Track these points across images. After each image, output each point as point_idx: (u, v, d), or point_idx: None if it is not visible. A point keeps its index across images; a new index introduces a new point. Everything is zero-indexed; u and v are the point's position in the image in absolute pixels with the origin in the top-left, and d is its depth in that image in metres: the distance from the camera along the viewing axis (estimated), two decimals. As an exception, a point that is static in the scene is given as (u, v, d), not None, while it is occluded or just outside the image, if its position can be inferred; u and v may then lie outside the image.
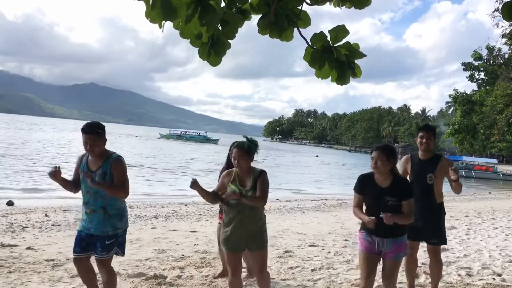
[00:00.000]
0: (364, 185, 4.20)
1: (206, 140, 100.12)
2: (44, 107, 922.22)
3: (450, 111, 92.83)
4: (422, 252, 6.39)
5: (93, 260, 4.31)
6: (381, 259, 4.23)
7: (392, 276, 4.24)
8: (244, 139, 4.23)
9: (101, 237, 4.18)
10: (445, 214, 5.16)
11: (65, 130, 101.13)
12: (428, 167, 5.04)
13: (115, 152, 4.29)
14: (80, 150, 4.41)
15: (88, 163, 4.23)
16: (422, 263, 6.93)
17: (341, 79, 2.54)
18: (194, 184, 3.96)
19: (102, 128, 4.19)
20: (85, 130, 4.11)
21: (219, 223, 5.63)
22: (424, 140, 5.09)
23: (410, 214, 4.13)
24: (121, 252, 4.33)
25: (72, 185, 4.36)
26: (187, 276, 5.82)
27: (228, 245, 4.27)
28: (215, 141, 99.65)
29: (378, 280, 4.85)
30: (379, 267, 4.30)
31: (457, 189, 4.96)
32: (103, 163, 4.16)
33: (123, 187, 4.17)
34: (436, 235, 5.08)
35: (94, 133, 4.12)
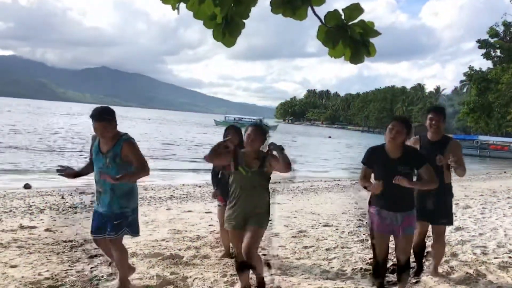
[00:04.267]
0: (375, 157, 4.21)
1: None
2: (58, 91, 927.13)
3: (465, 90, 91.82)
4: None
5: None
6: (394, 236, 4.26)
7: (407, 250, 4.27)
8: (259, 122, 4.29)
9: (109, 217, 4.26)
10: (453, 195, 5.18)
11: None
12: (438, 148, 5.02)
13: (126, 133, 4.32)
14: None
15: (100, 145, 4.28)
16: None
17: (355, 58, 2.53)
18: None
19: (112, 114, 4.21)
20: (95, 117, 4.11)
21: (219, 205, 5.71)
22: (433, 122, 5.08)
23: (431, 179, 4.18)
24: (132, 232, 4.39)
25: (90, 169, 4.46)
26: (203, 255, 5.90)
27: (231, 223, 4.33)
28: (273, 128, 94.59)
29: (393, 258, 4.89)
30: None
31: (459, 173, 4.99)
32: (114, 145, 4.20)
33: (143, 168, 4.22)
34: (444, 216, 5.12)
35: (104, 120, 4.13)
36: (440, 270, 5.47)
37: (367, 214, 4.40)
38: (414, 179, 4.34)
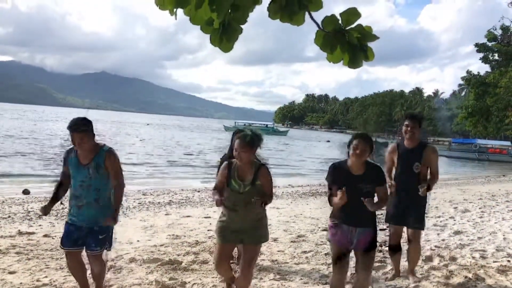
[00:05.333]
0: (337, 174, 4.09)
1: (274, 132, 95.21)
2: (57, 97, 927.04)
3: (463, 93, 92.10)
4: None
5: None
6: (353, 251, 4.15)
7: (366, 269, 4.13)
8: (248, 131, 4.10)
9: (93, 231, 4.14)
10: (426, 202, 5.26)
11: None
12: (414, 156, 5.13)
13: (105, 144, 4.25)
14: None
15: (79, 157, 4.15)
16: (436, 246, 6.96)
17: (353, 63, 2.52)
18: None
19: (89, 124, 4.10)
20: (72, 128, 4.02)
21: None
22: (409, 129, 5.15)
23: (385, 199, 4.19)
24: (110, 246, 4.31)
25: (63, 191, 4.36)
26: (202, 261, 5.88)
27: (221, 235, 4.19)
28: (284, 133, 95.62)
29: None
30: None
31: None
32: (95, 156, 4.12)
33: (121, 184, 4.20)
34: (417, 220, 5.19)
35: (81, 131, 4.03)
36: (418, 273, 5.52)
37: (328, 228, 4.33)
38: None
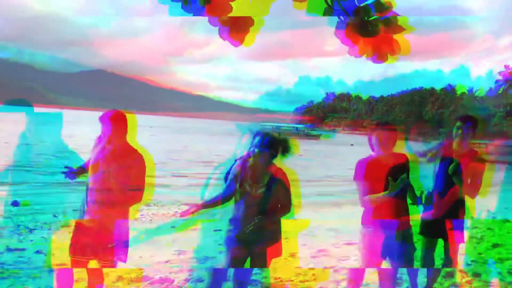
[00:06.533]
0: (369, 169, 4.13)
1: (306, 135, 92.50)
2: (48, 96, 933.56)
3: (501, 91, 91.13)
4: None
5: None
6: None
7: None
8: (276, 133, 4.12)
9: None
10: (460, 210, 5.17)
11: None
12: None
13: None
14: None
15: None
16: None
17: (379, 56, 2.51)
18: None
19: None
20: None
21: None
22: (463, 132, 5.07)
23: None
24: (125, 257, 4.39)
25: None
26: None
27: (230, 247, 4.21)
28: (316, 136, 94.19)
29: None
30: None
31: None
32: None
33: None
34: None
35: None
36: None
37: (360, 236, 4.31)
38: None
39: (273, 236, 4.20)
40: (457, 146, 5.11)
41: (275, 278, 5.82)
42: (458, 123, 5.11)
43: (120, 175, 4.18)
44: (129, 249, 4.41)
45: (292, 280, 5.99)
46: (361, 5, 2.41)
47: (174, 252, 7.25)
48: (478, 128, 5.13)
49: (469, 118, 5.21)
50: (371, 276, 4.73)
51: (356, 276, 4.23)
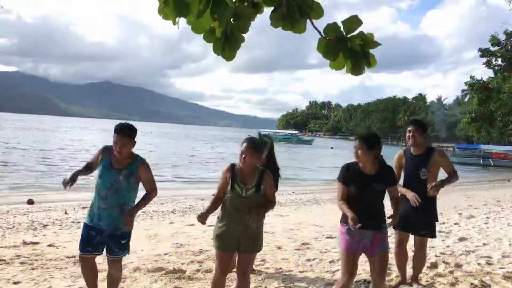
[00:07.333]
0: (350, 174, 4.10)
1: (299, 141, 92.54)
2: (61, 106, 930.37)
3: (466, 99, 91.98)
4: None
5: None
6: (367, 256, 4.14)
7: (382, 271, 4.12)
8: (256, 135, 4.12)
9: (116, 236, 4.17)
10: (435, 209, 5.21)
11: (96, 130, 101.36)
12: (421, 162, 5.10)
13: (139, 155, 4.32)
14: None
15: (111, 160, 4.20)
16: (441, 253, 6.92)
17: (356, 70, 2.52)
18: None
19: (134, 132, 4.21)
20: (118, 130, 4.11)
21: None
22: (411, 135, 5.14)
23: (399, 199, 4.23)
24: (128, 251, 4.36)
25: (87, 172, 4.36)
26: (206, 269, 5.86)
27: (219, 243, 4.11)
28: (309, 142, 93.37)
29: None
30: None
31: (453, 181, 5.31)
32: (130, 164, 4.18)
33: (154, 190, 4.32)
34: (425, 227, 5.17)
35: (126, 135, 4.12)
36: (423, 280, 5.51)
37: (338, 233, 4.31)
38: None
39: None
40: (412, 147, 5.18)
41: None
42: (408, 127, 5.20)
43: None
44: (132, 242, 4.38)
45: (292, 271, 5.99)
46: (331, 24, 2.42)
47: (172, 246, 7.23)
48: (425, 129, 5.18)
49: (413, 122, 5.29)
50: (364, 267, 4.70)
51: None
